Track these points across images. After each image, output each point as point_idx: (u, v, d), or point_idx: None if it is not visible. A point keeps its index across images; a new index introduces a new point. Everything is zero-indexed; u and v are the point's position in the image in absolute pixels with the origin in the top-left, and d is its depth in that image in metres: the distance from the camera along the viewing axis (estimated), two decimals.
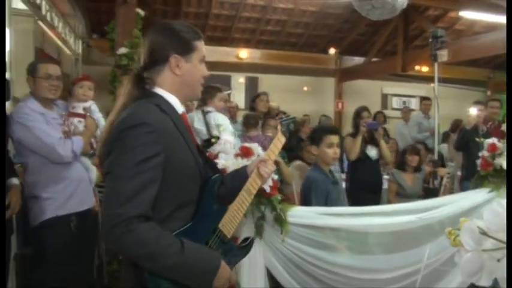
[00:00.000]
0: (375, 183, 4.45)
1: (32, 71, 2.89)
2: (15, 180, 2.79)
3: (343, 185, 4.78)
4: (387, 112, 9.75)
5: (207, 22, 8.66)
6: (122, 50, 3.76)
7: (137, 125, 1.39)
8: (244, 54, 9.34)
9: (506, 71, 1.43)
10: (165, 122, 1.47)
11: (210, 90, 4.40)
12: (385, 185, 4.97)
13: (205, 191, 1.59)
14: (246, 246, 1.75)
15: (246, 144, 2.55)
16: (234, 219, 1.63)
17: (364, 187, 4.33)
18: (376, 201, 4.27)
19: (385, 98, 10.89)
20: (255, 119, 4.77)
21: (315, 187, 2.77)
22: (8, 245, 2.83)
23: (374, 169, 4.48)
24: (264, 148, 4.42)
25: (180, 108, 1.58)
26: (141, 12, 3.95)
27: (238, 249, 1.71)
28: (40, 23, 5.76)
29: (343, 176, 4.97)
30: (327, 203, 2.70)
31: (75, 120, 3.05)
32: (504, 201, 0.89)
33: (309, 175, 2.96)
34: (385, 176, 5.46)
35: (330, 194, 2.75)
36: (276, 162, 4.38)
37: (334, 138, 2.86)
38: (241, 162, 2.31)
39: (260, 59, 9.55)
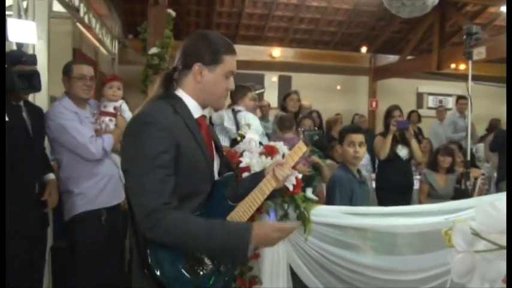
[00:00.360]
0: (404, 184, 4.36)
1: (67, 72, 3.00)
2: (51, 176, 2.92)
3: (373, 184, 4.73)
4: (422, 111, 9.55)
5: (240, 21, 8.73)
6: (153, 50, 3.85)
7: (147, 123, 1.48)
8: (277, 53, 9.36)
9: (506, 71, 1.39)
10: (175, 122, 1.54)
11: (241, 90, 4.42)
12: (417, 186, 4.89)
13: (216, 187, 1.65)
14: None
15: (271, 143, 2.55)
16: (243, 216, 1.67)
17: (394, 187, 4.26)
18: (407, 202, 4.19)
19: (420, 96, 10.68)
20: (289, 120, 4.75)
21: (339, 186, 2.76)
22: (45, 237, 2.98)
23: (404, 169, 4.39)
24: None
25: (197, 112, 1.64)
26: (172, 13, 4.02)
27: None
28: (78, 24, 5.96)
29: (373, 175, 4.91)
30: (351, 202, 2.69)
31: (107, 119, 3.13)
32: (497, 203, 0.88)
33: (334, 174, 2.95)
34: (417, 177, 5.36)
35: (356, 194, 2.73)
36: (318, 164, 4.38)
37: (355, 137, 2.84)
38: (265, 161, 2.32)
39: (293, 57, 9.55)
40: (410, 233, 2.62)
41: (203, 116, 1.68)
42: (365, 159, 5.84)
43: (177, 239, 1.45)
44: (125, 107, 3.28)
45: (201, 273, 1.56)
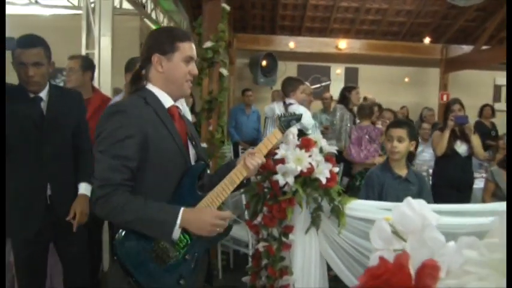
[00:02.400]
0: (462, 181, 4.13)
1: (127, 67, 3.20)
2: (82, 188, 2.62)
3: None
4: (500, 105, 8.99)
5: (305, 13, 8.67)
6: (207, 44, 3.97)
7: (116, 112, 1.61)
8: (343, 44, 9.23)
9: (506, 71, 1.32)
10: (145, 112, 1.64)
11: (292, 83, 4.45)
12: (482, 184, 4.63)
13: (185, 176, 1.70)
14: (223, 231, 1.80)
15: (310, 136, 2.56)
16: (211, 205, 1.71)
17: (451, 184, 4.06)
18: (464, 200, 3.99)
19: (498, 89, 9.98)
20: (370, 109, 4.73)
21: (367, 181, 2.75)
22: (67, 242, 2.57)
23: (462, 166, 4.14)
24: (371, 138, 4.41)
25: (168, 102, 1.74)
26: (227, 7, 4.11)
27: None
28: (146, 20, 6.29)
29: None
30: (381, 197, 2.64)
31: None
32: (413, 202, 0.86)
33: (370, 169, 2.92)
34: (484, 174, 5.07)
35: (388, 189, 2.67)
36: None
37: (394, 132, 2.77)
38: (300, 153, 2.33)
39: (360, 49, 9.36)
40: (451, 233, 2.52)
41: (175, 106, 1.77)
42: (429, 155, 5.64)
43: (112, 213, 1.56)
44: (185, 108, 3.12)
45: (167, 262, 1.62)
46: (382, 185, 2.69)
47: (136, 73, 1.77)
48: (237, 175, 1.79)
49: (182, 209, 1.59)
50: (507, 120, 2.89)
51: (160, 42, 1.71)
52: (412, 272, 0.70)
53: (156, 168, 1.63)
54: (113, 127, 1.58)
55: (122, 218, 1.55)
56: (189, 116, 3.30)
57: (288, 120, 2.04)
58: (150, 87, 1.73)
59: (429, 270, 0.66)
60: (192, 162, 1.78)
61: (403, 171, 2.85)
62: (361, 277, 0.71)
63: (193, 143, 1.81)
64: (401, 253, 0.73)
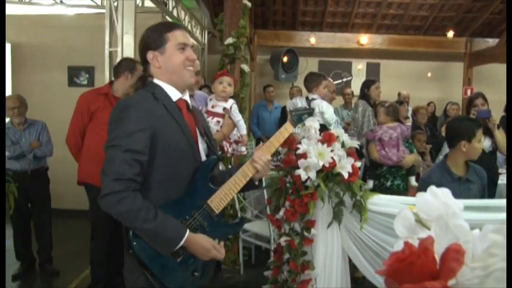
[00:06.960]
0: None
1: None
2: None
3: None
4: None
5: (326, 8, 8.61)
6: (229, 40, 3.99)
7: (128, 107, 1.63)
8: (365, 40, 9.14)
9: (506, 71, 1.31)
10: (155, 106, 1.67)
11: (315, 78, 4.44)
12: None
13: (198, 170, 1.73)
14: (237, 224, 1.90)
15: (332, 131, 2.56)
16: (224, 198, 1.74)
17: None
18: (489, 196, 3.87)
19: None
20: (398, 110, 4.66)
21: (425, 181, 2.72)
22: None
23: (486, 162, 4.04)
24: (406, 138, 4.35)
25: (175, 95, 1.76)
26: (248, 3, 4.13)
27: (227, 226, 1.85)
28: (167, 17, 6.35)
29: None
30: None
31: (214, 120, 3.06)
32: (437, 190, 0.85)
33: (430, 169, 2.94)
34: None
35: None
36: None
37: (481, 132, 2.80)
38: (322, 148, 2.34)
39: (381, 44, 9.26)
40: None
41: (182, 100, 1.78)
42: None
43: (121, 215, 1.56)
44: (235, 108, 3.14)
45: (181, 254, 1.64)
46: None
47: (141, 76, 1.80)
48: (249, 168, 1.81)
49: (188, 232, 1.62)
50: (507, 120, 2.86)
51: (150, 38, 1.74)
52: (437, 258, 0.70)
53: (167, 162, 1.65)
54: (124, 122, 1.60)
55: (131, 223, 1.57)
56: (238, 116, 3.19)
57: (299, 115, 2.05)
58: (157, 82, 1.76)
59: (454, 254, 0.67)
60: (203, 157, 1.80)
61: (462, 171, 2.84)
62: (386, 261, 0.72)
63: (204, 137, 1.83)
64: (426, 237, 0.73)
